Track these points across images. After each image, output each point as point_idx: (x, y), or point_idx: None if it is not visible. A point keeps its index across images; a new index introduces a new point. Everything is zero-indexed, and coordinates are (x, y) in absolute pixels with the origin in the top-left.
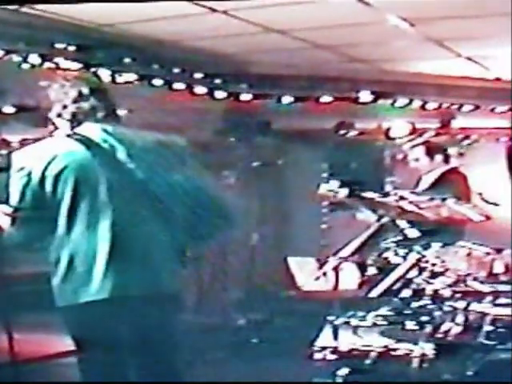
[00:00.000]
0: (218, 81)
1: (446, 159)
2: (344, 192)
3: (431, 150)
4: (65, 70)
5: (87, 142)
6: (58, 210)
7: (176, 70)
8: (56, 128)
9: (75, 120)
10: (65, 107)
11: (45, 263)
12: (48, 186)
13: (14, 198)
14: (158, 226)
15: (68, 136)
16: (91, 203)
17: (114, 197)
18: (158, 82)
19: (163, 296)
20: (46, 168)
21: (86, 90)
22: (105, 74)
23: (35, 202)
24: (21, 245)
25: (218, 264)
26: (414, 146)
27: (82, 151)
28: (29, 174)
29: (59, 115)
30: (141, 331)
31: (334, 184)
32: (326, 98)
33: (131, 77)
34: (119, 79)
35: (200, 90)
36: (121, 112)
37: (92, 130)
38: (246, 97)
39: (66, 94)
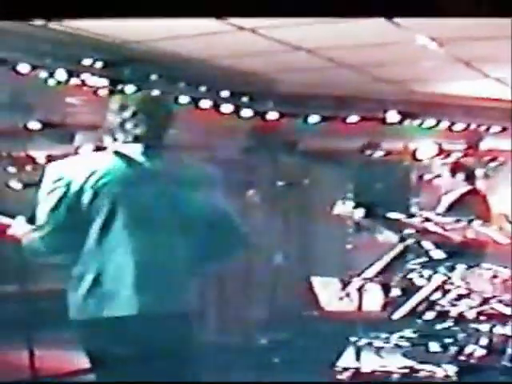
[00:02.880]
0: (244, 99)
1: (471, 180)
2: (359, 212)
3: (455, 169)
4: (91, 86)
5: (128, 161)
6: (91, 224)
7: (202, 88)
8: (101, 144)
9: (123, 137)
10: (121, 125)
11: (64, 278)
12: (85, 199)
13: (46, 207)
14: (186, 246)
15: (112, 152)
16: (125, 221)
17: (147, 216)
18: (184, 99)
19: (187, 314)
20: (86, 181)
21: (139, 110)
22: (131, 91)
23: (69, 213)
24: (47, 253)
25: (241, 283)
26: (441, 165)
27: (123, 169)
28: (67, 185)
29: (110, 132)
30: (163, 350)
31: (350, 204)
32: (352, 118)
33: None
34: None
35: (226, 108)
36: (166, 134)
37: (133, 149)
38: (272, 116)
39: (121, 112)
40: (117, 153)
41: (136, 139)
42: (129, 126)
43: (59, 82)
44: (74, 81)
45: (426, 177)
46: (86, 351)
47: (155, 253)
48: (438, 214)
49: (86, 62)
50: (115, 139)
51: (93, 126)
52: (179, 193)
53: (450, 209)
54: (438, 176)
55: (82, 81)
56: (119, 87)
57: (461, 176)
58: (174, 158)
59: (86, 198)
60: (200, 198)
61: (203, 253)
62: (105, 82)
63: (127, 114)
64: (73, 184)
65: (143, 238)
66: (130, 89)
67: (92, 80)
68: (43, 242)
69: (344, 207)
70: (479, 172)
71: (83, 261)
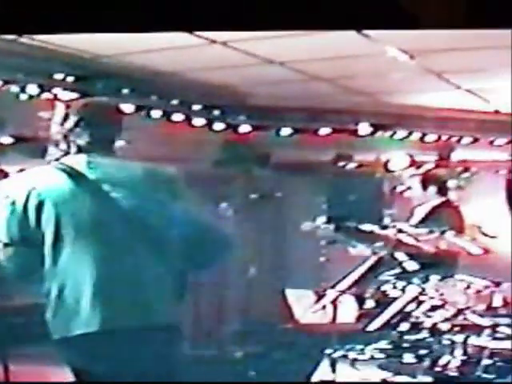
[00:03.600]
0: (216, 112)
1: (443, 191)
2: (331, 227)
3: (426, 181)
4: (63, 100)
5: (72, 173)
6: (43, 242)
7: (174, 102)
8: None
9: (67, 148)
10: (58, 133)
11: (38, 294)
12: (30, 217)
13: (1, 227)
14: (148, 257)
15: (52, 166)
16: (75, 235)
17: (99, 228)
18: (156, 113)
19: (158, 328)
20: (27, 199)
21: (83, 119)
22: None
23: (19, 232)
24: (12, 276)
25: (214, 296)
26: (411, 176)
27: (64, 182)
28: (12, 204)
29: (56, 144)
30: (133, 364)
31: (321, 220)
32: (324, 130)
33: (129, 108)
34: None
35: (198, 121)
36: (117, 143)
37: (78, 160)
38: (244, 128)
39: (63, 122)
40: (60, 165)
41: (80, 150)
42: (72, 136)
43: (31, 97)
44: (46, 95)
45: (398, 188)
46: (69, 367)
47: (114, 265)
48: (411, 226)
49: (58, 76)
50: (61, 150)
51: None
52: (129, 202)
53: (423, 221)
54: (409, 188)
55: (54, 95)
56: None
57: (433, 188)
58: (121, 166)
59: (31, 215)
60: (155, 205)
61: (167, 264)
62: (77, 96)
63: (70, 123)
64: (17, 202)
65: (97, 251)
66: None
67: (64, 94)
68: (9, 264)
69: (315, 224)
70: (451, 183)
71: (45, 279)
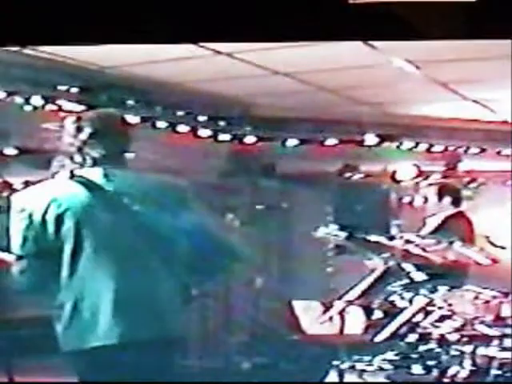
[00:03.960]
0: (222, 123)
1: (457, 202)
2: (342, 235)
3: (442, 191)
4: (67, 112)
5: (89, 185)
6: (61, 254)
7: (180, 113)
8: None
9: (82, 161)
10: (72, 145)
11: (45, 306)
12: (49, 229)
13: (15, 241)
14: (162, 269)
15: (70, 178)
16: (93, 247)
17: (116, 240)
18: (161, 124)
19: (169, 340)
20: (46, 211)
21: (96, 131)
22: None
23: (36, 245)
24: (24, 289)
25: (222, 307)
26: (426, 186)
27: (83, 194)
28: (30, 217)
29: (71, 156)
30: (145, 377)
31: (333, 227)
32: (331, 141)
33: (134, 119)
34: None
35: (204, 132)
36: (128, 155)
37: (94, 172)
38: (250, 139)
39: (77, 134)
40: (77, 177)
41: (95, 162)
42: (86, 148)
43: (35, 108)
44: (50, 106)
45: (410, 199)
46: (79, 379)
47: (130, 277)
48: (419, 236)
49: (62, 87)
50: (75, 163)
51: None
52: (146, 214)
53: (436, 231)
54: (425, 198)
55: (59, 106)
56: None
57: (448, 198)
58: (135, 177)
59: (50, 227)
60: (170, 217)
61: (179, 275)
62: (81, 107)
63: (84, 135)
64: (34, 214)
65: (114, 263)
66: None
67: (68, 105)
68: (23, 276)
69: (327, 230)
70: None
71: (62, 290)
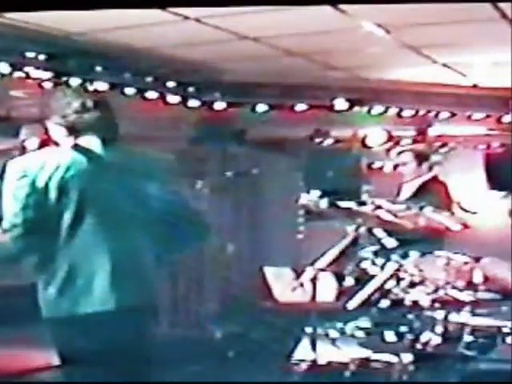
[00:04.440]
0: (191, 89)
1: (430, 167)
2: (325, 202)
3: (419, 156)
4: (35, 79)
5: (89, 154)
6: (60, 220)
7: (148, 79)
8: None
9: (75, 130)
10: (64, 117)
11: (24, 277)
12: (52, 195)
13: (13, 206)
14: (145, 239)
15: (71, 146)
16: (93, 215)
17: (114, 210)
18: (130, 90)
19: (141, 308)
20: (51, 177)
21: (89, 102)
22: (76, 83)
23: (38, 210)
24: (16, 254)
25: (193, 276)
26: (400, 152)
27: (85, 162)
28: (33, 182)
29: (58, 124)
30: (116, 345)
31: (315, 194)
32: (300, 106)
33: (103, 86)
34: (90, 88)
35: (173, 98)
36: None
37: (92, 141)
38: (219, 105)
39: (68, 105)
40: (76, 146)
41: (90, 132)
42: (81, 119)
43: (3, 75)
44: (18, 74)
45: (382, 165)
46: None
47: (123, 247)
48: (390, 202)
49: (30, 54)
50: (70, 133)
51: (38, 119)
52: (140, 184)
53: (413, 197)
54: (404, 164)
55: (26, 73)
56: (64, 79)
57: (426, 164)
58: (130, 150)
59: (53, 193)
60: (160, 189)
61: (166, 245)
62: (49, 74)
63: (77, 107)
64: (38, 180)
65: (111, 231)
66: (74, 81)
67: (36, 73)
68: (16, 243)
69: (310, 196)
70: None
71: (55, 257)
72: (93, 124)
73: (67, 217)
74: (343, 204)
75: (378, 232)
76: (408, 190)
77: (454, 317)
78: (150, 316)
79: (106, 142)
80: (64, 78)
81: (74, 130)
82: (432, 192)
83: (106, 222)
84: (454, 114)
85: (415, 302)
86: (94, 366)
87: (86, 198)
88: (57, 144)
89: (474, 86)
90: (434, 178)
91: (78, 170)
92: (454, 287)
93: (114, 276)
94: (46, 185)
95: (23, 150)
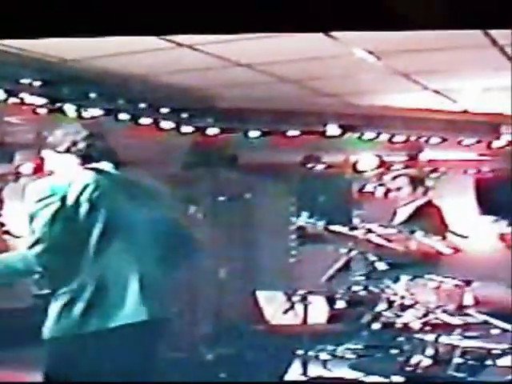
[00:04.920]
0: (184, 115)
1: (425, 191)
2: (317, 226)
3: (414, 181)
4: (29, 105)
5: (108, 175)
6: (88, 238)
7: (142, 105)
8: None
9: (85, 156)
10: (74, 144)
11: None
12: (82, 213)
13: (39, 223)
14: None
15: (89, 169)
16: (119, 232)
17: (135, 227)
18: (124, 116)
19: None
20: (80, 195)
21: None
22: (70, 109)
23: (65, 227)
24: (44, 268)
25: (186, 298)
26: (396, 177)
27: (106, 182)
28: (62, 200)
29: (68, 151)
30: (109, 366)
31: (307, 217)
32: (292, 132)
33: (97, 112)
34: (85, 114)
35: (166, 124)
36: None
37: (104, 165)
38: (212, 131)
39: (77, 133)
40: (94, 169)
41: (92, 158)
42: (82, 145)
43: None
44: (13, 100)
45: (374, 189)
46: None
47: (147, 262)
48: (381, 226)
49: (24, 80)
50: (82, 158)
51: (32, 145)
52: (151, 205)
53: (408, 221)
54: (398, 188)
55: (21, 99)
56: (58, 105)
57: (421, 189)
58: (137, 173)
59: (83, 211)
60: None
61: (168, 265)
62: (44, 100)
63: (80, 136)
64: (68, 198)
65: (134, 248)
66: (69, 107)
67: (31, 99)
68: (39, 259)
69: (307, 218)
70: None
71: (82, 274)
72: (96, 150)
73: (96, 232)
74: (335, 228)
75: (370, 256)
76: (403, 215)
77: (444, 339)
78: (136, 338)
79: (115, 164)
80: (58, 104)
81: (82, 155)
82: (427, 216)
83: (132, 239)
84: (444, 140)
85: (406, 325)
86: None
87: (115, 214)
88: (51, 172)
89: (465, 112)
90: (429, 203)
91: (104, 189)
92: (444, 311)
93: (151, 290)
94: (76, 202)
95: (18, 176)
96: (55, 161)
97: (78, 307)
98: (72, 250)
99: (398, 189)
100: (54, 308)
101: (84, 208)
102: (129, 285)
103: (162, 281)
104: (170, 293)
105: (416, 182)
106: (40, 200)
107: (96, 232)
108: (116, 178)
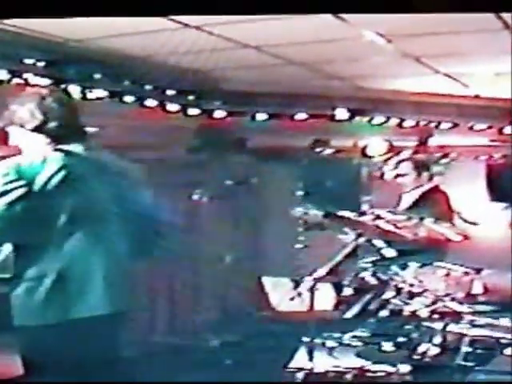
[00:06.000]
0: (191, 97)
1: (430, 177)
2: (319, 214)
3: (418, 166)
4: (34, 85)
5: (78, 158)
6: (54, 224)
7: (148, 87)
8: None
9: (54, 136)
10: (45, 123)
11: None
12: (47, 198)
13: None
14: (129, 246)
15: (56, 150)
16: (85, 220)
17: (102, 215)
18: (129, 98)
19: (138, 316)
20: (49, 180)
21: (62, 107)
22: (75, 91)
23: (27, 211)
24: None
25: (191, 284)
26: (400, 162)
27: (77, 166)
28: (28, 186)
29: (36, 130)
30: (112, 351)
31: (309, 206)
32: (301, 116)
33: (102, 93)
34: (90, 95)
35: (173, 106)
36: (89, 130)
37: (75, 147)
38: (219, 114)
39: (46, 110)
40: (65, 151)
41: (63, 138)
42: (53, 124)
43: (1, 82)
44: (17, 80)
45: (383, 174)
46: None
47: (113, 252)
48: (390, 212)
49: (28, 61)
50: (51, 138)
51: None
52: (118, 189)
53: (413, 207)
54: (404, 174)
55: (25, 80)
56: (62, 86)
57: (426, 174)
58: (110, 156)
59: (50, 197)
60: (133, 194)
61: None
62: (48, 81)
63: (52, 114)
64: (35, 183)
65: (100, 236)
66: (73, 88)
67: (35, 79)
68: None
69: (304, 209)
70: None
71: (44, 262)
72: (69, 130)
73: (62, 220)
74: (342, 214)
75: (378, 242)
76: (408, 200)
77: (452, 327)
78: (143, 325)
79: (87, 146)
80: (63, 85)
81: (52, 135)
82: (432, 202)
83: (99, 227)
84: (455, 125)
85: (414, 313)
86: (84, 374)
87: (82, 202)
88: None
89: (476, 97)
90: (435, 188)
91: (70, 172)
92: (453, 299)
93: (106, 281)
94: (43, 187)
95: None
96: (22, 138)
97: (38, 296)
98: (34, 236)
99: (403, 174)
100: (16, 295)
101: (51, 194)
102: (94, 276)
103: (129, 273)
104: (138, 286)
105: (421, 167)
106: (5, 183)
107: (62, 219)
108: (87, 162)
